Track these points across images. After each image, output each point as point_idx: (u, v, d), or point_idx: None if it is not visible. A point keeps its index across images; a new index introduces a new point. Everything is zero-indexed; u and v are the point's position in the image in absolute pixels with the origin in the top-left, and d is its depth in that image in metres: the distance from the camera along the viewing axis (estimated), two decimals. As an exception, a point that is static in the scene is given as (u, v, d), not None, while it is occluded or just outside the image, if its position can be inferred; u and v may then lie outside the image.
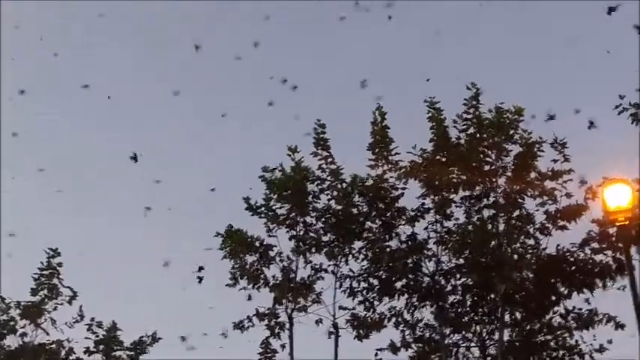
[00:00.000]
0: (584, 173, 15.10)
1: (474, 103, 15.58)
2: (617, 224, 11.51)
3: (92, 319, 17.00)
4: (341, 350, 15.24)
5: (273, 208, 15.69)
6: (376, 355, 15.30)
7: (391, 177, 15.78)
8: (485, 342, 15.34)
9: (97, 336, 16.98)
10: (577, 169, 15.11)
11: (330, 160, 15.83)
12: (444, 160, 15.57)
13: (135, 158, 16.07)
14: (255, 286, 15.75)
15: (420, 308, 15.44)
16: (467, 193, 15.57)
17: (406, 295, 15.48)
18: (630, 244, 12.93)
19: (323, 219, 15.79)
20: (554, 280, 14.96)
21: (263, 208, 15.64)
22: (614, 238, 14.39)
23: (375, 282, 15.59)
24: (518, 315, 15.29)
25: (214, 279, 16.17)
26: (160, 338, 17.16)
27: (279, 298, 15.53)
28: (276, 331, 15.35)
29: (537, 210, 15.31)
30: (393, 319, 15.53)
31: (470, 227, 15.38)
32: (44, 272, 16.87)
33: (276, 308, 15.47)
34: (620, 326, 14.57)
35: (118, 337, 17.09)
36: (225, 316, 15.95)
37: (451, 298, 15.47)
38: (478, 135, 15.59)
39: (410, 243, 15.57)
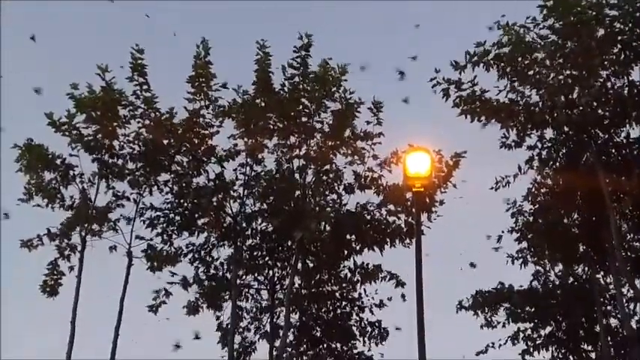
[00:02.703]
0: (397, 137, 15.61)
1: (303, 53, 15.59)
2: (414, 190, 11.87)
3: None
4: (132, 280, 14.90)
5: (78, 127, 14.90)
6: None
7: (208, 113, 15.56)
8: (275, 286, 15.78)
9: None
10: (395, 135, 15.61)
11: (145, 87, 15.22)
12: (263, 104, 15.53)
13: None
14: (51, 205, 15.04)
15: (218, 247, 15.55)
16: (281, 141, 15.69)
17: (206, 233, 15.48)
18: (422, 209, 13.78)
19: (131, 145, 15.27)
20: (349, 236, 15.53)
21: (67, 126, 14.78)
22: (409, 203, 15.18)
23: (177, 216, 15.42)
24: (310, 264, 15.81)
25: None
26: None
27: (73, 220, 14.89)
28: (67, 253, 14.78)
29: (345, 167, 15.76)
30: (190, 255, 15.53)
31: (278, 174, 15.55)
32: None
33: (70, 230, 14.84)
34: (400, 284, 15.54)
35: None
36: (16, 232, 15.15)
37: (249, 241, 15.68)
38: (301, 86, 15.66)
39: (217, 182, 15.48)
